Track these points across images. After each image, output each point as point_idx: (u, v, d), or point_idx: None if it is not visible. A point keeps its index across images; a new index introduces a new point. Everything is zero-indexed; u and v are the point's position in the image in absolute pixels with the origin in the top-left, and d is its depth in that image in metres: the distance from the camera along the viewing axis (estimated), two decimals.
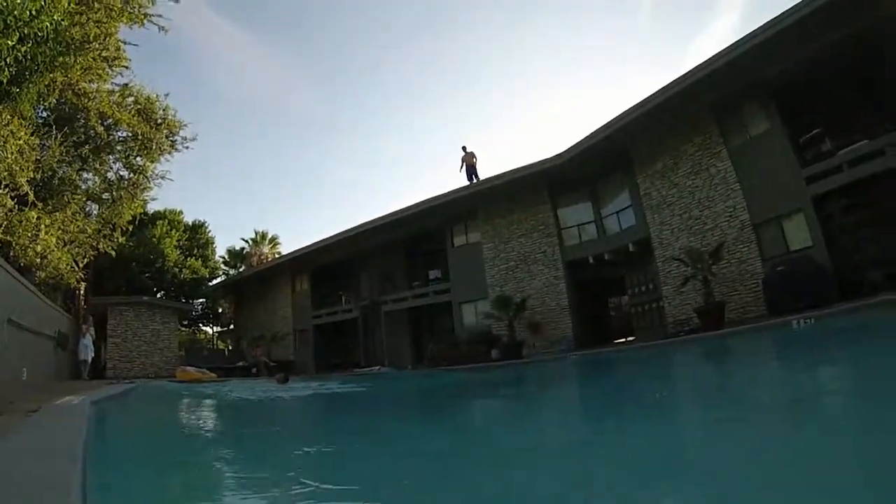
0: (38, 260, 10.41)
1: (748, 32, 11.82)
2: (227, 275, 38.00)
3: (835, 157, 11.35)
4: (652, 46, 53.57)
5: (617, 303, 22.65)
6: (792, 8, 10.80)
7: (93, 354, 15.68)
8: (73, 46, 9.64)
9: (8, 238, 9.40)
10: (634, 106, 14.48)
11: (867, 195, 10.98)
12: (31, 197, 9.84)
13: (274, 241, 40.01)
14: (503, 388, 10.80)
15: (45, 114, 12.06)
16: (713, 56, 12.65)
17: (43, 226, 10.30)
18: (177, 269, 32.15)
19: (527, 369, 14.17)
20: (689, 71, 13.17)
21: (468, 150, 20.13)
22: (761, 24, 11.52)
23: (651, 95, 14.04)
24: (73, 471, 2.20)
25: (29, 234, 9.83)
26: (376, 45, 53.76)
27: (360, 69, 55.99)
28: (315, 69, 54.48)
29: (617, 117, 14.98)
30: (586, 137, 15.86)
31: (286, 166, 65.60)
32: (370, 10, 49.82)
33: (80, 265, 13.23)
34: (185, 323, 35.69)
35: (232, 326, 34.37)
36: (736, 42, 12.12)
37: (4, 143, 7.70)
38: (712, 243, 13.26)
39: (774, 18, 11.18)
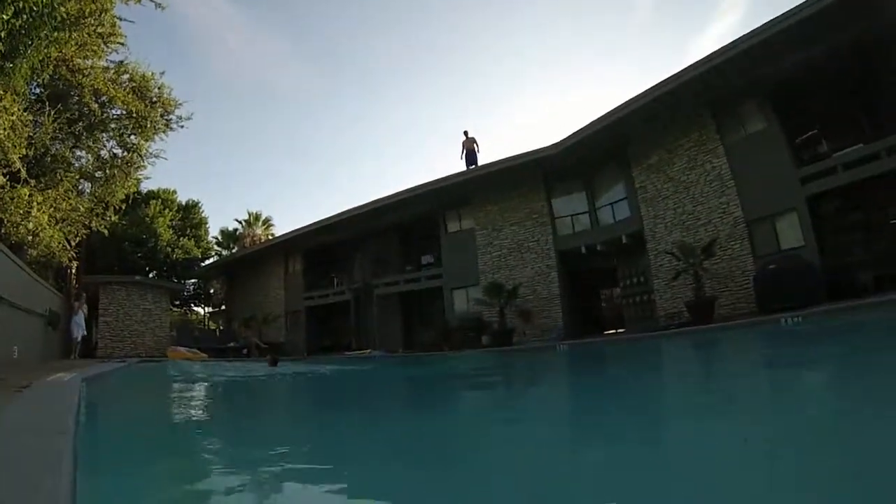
0: (30, 238, 10.39)
1: (748, 31, 11.84)
2: (219, 255, 37.94)
3: (830, 159, 11.44)
4: (651, 44, 53.51)
5: (608, 294, 22.73)
6: (792, 10, 10.86)
7: (84, 333, 15.66)
8: (68, 21, 9.52)
9: (0, 215, 9.38)
10: (632, 99, 14.50)
11: (861, 198, 11.16)
12: (24, 174, 9.78)
13: (267, 223, 39.95)
14: (492, 375, 10.89)
15: (38, 90, 11.94)
16: (712, 53, 12.69)
17: (35, 203, 10.25)
18: (169, 249, 32.08)
19: (516, 356, 14.29)
20: (688, 66, 13.22)
21: (469, 135, 20.12)
22: (761, 23, 11.55)
23: (649, 89, 14.06)
24: (65, 445, 2.23)
25: (21, 212, 9.80)
26: (374, 26, 53.33)
27: (357, 51, 55.67)
28: (311, 49, 53.99)
29: (614, 109, 14.99)
30: (583, 128, 15.85)
31: (280, 147, 65.39)
32: None
33: (73, 244, 13.18)
34: (177, 303, 35.69)
35: (224, 307, 34.37)
36: (735, 40, 12.17)
37: None
38: (705, 239, 13.36)
39: (774, 19, 11.24)
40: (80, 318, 15.28)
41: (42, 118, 10.85)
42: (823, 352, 6.92)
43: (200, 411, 6.40)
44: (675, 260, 13.29)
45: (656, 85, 13.89)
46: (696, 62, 13.05)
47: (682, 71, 13.33)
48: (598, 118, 15.42)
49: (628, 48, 53.23)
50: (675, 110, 14.52)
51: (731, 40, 12.33)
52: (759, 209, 12.86)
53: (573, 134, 16.18)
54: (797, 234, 11.97)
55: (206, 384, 10.14)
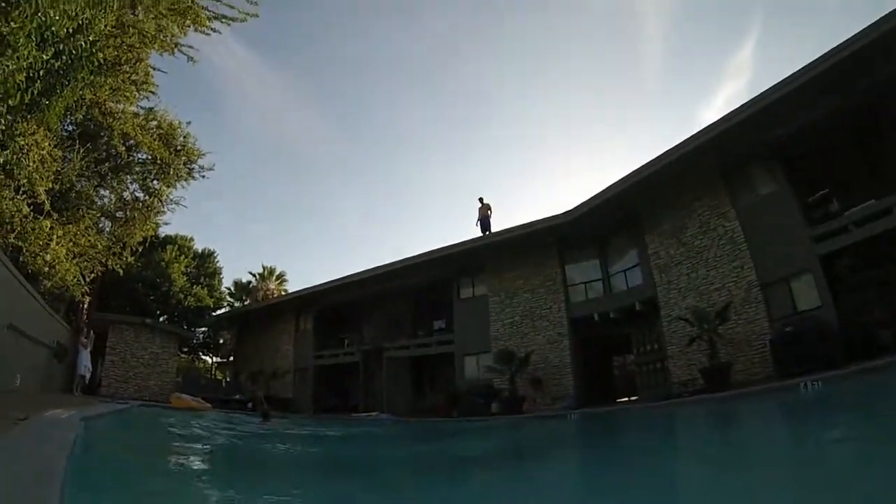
0: (46, 269, 10.58)
1: (756, 95, 12.11)
2: (231, 306, 38.09)
3: (842, 217, 11.41)
4: (660, 110, 54.94)
5: (621, 361, 22.39)
6: (796, 72, 11.13)
7: (90, 370, 15.63)
8: (104, 67, 10.07)
9: (19, 244, 9.61)
10: (643, 165, 14.71)
11: (876, 254, 10.99)
12: (48, 206, 10.09)
13: (281, 278, 40.24)
14: (503, 446, 10.59)
15: (70, 127, 12.47)
16: (721, 118, 12.96)
17: (55, 236, 10.51)
18: (182, 296, 32.28)
19: (527, 425, 13.99)
20: (697, 132, 13.49)
21: (484, 201, 20.56)
22: (768, 86, 11.83)
23: (660, 156, 14.29)
24: (52, 487, 2.22)
25: (40, 243, 10.04)
26: (398, 94, 55.39)
27: (379, 116, 57.55)
28: (335, 112, 56.07)
29: (626, 176, 15.21)
30: (595, 196, 16.10)
31: (299, 204, 66.67)
32: (392, 59, 51.60)
33: (87, 279, 13.37)
34: (186, 350, 35.56)
35: (232, 358, 34.17)
36: (742, 105, 12.45)
37: (28, 151, 8.00)
38: (719, 303, 13.17)
39: (779, 82, 11.51)
40: (85, 355, 15.30)
41: (71, 155, 11.28)
42: (848, 420, 6.53)
43: (193, 469, 6.17)
44: (689, 326, 13.06)
45: (666, 152, 14.11)
46: (705, 128, 13.33)
47: (691, 137, 13.57)
48: (610, 186, 15.65)
49: (639, 117, 54.67)
50: (686, 176, 14.66)
51: (738, 105, 12.59)
52: (773, 271, 12.73)
53: (585, 202, 16.42)
54: (813, 294, 11.76)
55: (203, 438, 9.85)
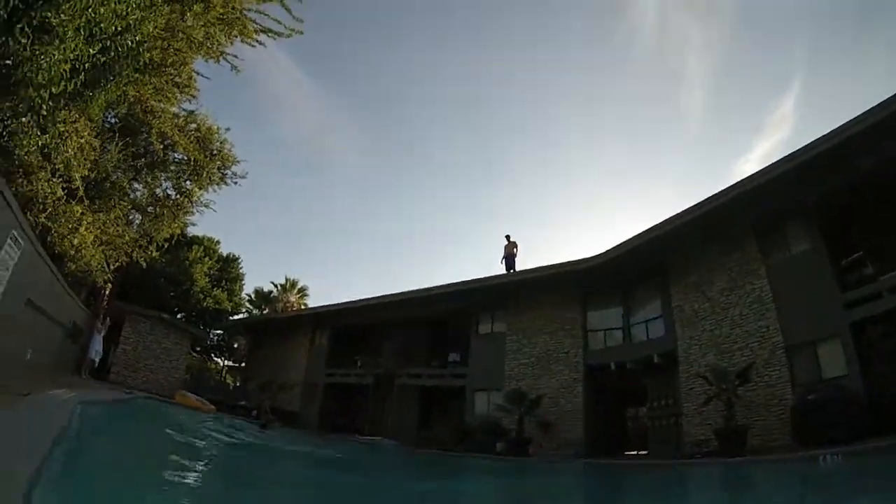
0: (73, 252, 10.87)
1: (792, 151, 11.92)
2: (250, 313, 38.48)
3: (876, 283, 10.97)
4: (698, 162, 54.59)
5: (634, 413, 21.84)
6: (836, 129, 10.89)
7: (101, 355, 15.88)
8: (150, 67, 10.44)
9: (49, 224, 9.92)
10: (674, 216, 14.52)
11: None
12: (81, 192, 10.42)
13: (302, 292, 40.64)
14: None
15: (113, 120, 12.88)
16: (756, 173, 12.74)
17: (85, 221, 10.82)
18: (202, 296, 32.71)
19: (534, 470, 13.70)
20: (731, 186, 13.24)
21: (511, 239, 20.61)
22: (804, 144, 11.63)
23: (692, 207, 14.08)
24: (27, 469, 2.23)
25: (70, 226, 10.35)
26: (443, 127, 56.23)
27: (422, 144, 58.43)
28: (378, 134, 57.09)
29: (656, 225, 15.04)
30: (624, 242, 15.95)
31: (329, 221, 67.59)
32: (438, 91, 52.48)
33: (111, 267, 13.70)
34: (198, 349, 35.93)
35: (244, 364, 34.39)
36: (779, 160, 12.20)
37: (67, 137, 8.31)
38: (740, 363, 12.69)
39: (818, 139, 11.28)
40: (98, 339, 15.56)
41: (110, 146, 11.67)
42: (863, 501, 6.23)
43: (164, 474, 6.10)
44: (707, 384, 12.59)
45: (699, 203, 13.91)
46: (740, 181, 13.08)
47: (724, 190, 13.36)
48: (640, 233, 15.49)
49: (678, 168, 54.44)
50: (718, 229, 14.38)
51: (775, 160, 12.39)
52: (800, 334, 12.21)
53: (613, 248, 16.27)
54: (840, 361, 11.20)
55: (193, 442, 9.80)
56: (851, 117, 10.68)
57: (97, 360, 15.89)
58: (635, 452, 17.27)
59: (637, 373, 16.61)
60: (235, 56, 14.09)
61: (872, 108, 10.33)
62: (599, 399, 17.64)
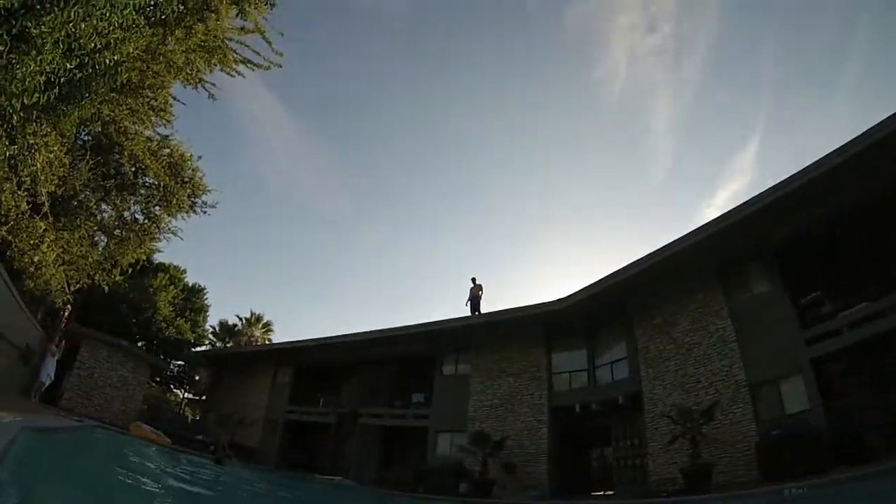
0: (32, 269, 10.57)
1: (754, 195, 12.42)
2: (213, 345, 37.63)
3: (835, 320, 11.37)
4: (663, 206, 56.19)
5: (599, 454, 21.79)
6: (795, 175, 11.46)
7: (52, 379, 15.21)
8: (127, 87, 10.44)
9: (10, 238, 9.65)
10: (639, 260, 14.91)
11: (868, 358, 10.90)
12: (46, 208, 10.20)
13: (267, 327, 40.14)
14: None
15: (86, 138, 12.74)
16: (718, 216, 13.26)
17: (48, 239, 10.56)
18: (164, 325, 31.92)
19: None
20: (693, 231, 13.74)
21: (476, 282, 20.80)
22: (766, 188, 12.16)
23: (656, 251, 14.50)
24: None
25: (31, 242, 10.08)
26: (409, 170, 56.93)
27: (391, 182, 58.90)
28: (348, 174, 57.44)
29: (621, 269, 15.39)
30: (589, 286, 16.27)
31: (296, 258, 67.11)
32: (414, 133, 53.35)
33: (72, 288, 13.32)
34: (158, 380, 34.81)
35: (204, 398, 33.40)
36: (741, 204, 12.71)
37: (36, 150, 8.21)
38: (705, 402, 12.93)
39: (779, 183, 11.82)
40: (51, 362, 14.94)
41: (80, 164, 11.49)
42: None
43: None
44: (673, 423, 12.76)
45: (663, 247, 14.34)
46: (702, 226, 13.60)
47: (687, 234, 13.82)
48: (605, 277, 15.83)
49: (643, 212, 55.85)
50: (682, 271, 14.76)
51: (736, 204, 12.86)
52: (762, 372, 12.55)
53: (579, 291, 16.57)
54: (802, 397, 11.53)
55: (135, 478, 9.38)
56: (808, 164, 11.27)
57: (47, 383, 15.21)
58: (601, 493, 17.15)
59: (602, 414, 16.68)
60: (213, 84, 14.09)
61: (829, 154, 10.90)
62: (564, 440, 17.64)
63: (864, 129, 10.31)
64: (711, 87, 46.20)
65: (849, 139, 10.53)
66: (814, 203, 11.80)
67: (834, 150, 10.81)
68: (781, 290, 12.83)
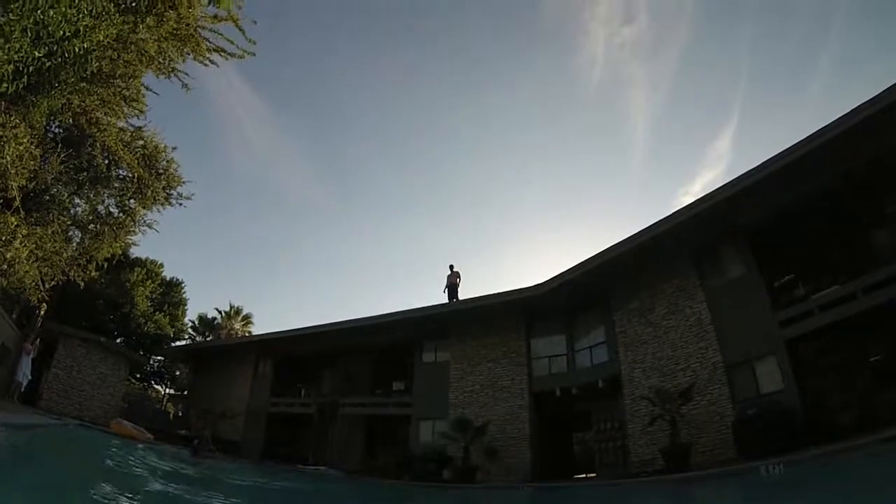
0: (5, 266, 10.31)
1: (729, 180, 12.64)
2: (193, 339, 37.24)
3: (807, 302, 11.68)
4: (641, 192, 56.79)
5: (581, 437, 22.12)
6: (767, 161, 11.70)
7: (29, 378, 14.92)
8: (97, 77, 10.19)
9: None
10: (617, 244, 15.05)
11: (840, 339, 11.25)
12: (17, 203, 9.94)
13: (247, 319, 39.81)
14: None
15: (57, 130, 12.41)
16: (693, 202, 13.52)
17: (20, 234, 10.28)
18: (143, 320, 31.55)
19: (477, 495, 13.64)
20: (670, 214, 13.95)
21: (454, 269, 20.85)
22: (740, 173, 12.37)
23: (633, 235, 14.67)
24: None
25: (3, 238, 9.82)
26: (386, 158, 56.67)
27: (365, 175, 58.58)
28: (324, 163, 56.95)
29: (598, 254, 15.54)
30: (567, 271, 16.38)
31: (273, 248, 66.56)
32: (388, 119, 53.01)
33: (46, 285, 13.02)
34: (138, 376, 34.39)
35: (186, 392, 33.07)
36: (715, 190, 12.99)
37: (6, 143, 7.99)
38: (683, 384, 13.21)
39: (751, 169, 12.04)
40: (27, 361, 14.64)
41: (51, 157, 11.19)
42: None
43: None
44: (652, 405, 13.03)
45: (640, 232, 14.51)
46: (678, 210, 13.84)
47: (663, 219, 14.01)
48: (582, 262, 15.96)
49: (621, 199, 56.36)
50: (658, 256, 15.00)
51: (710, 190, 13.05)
52: (738, 354, 12.86)
53: (556, 276, 16.68)
54: (776, 377, 11.87)
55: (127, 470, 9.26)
56: (780, 150, 11.51)
57: (24, 383, 14.92)
58: (584, 476, 17.45)
59: (582, 398, 17.00)
60: (187, 74, 13.78)
61: (801, 140, 11.17)
62: (546, 425, 17.91)
63: (835, 118, 10.58)
64: (688, 78, 46.71)
65: (821, 126, 10.80)
66: (785, 189, 12.08)
67: (804, 139, 11.10)
68: (755, 273, 13.09)
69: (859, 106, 10.16)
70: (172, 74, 13.56)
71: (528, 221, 63.78)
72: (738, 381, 12.78)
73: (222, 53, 13.51)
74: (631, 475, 13.36)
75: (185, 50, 13.00)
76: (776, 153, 11.54)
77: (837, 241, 13.40)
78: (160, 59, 12.66)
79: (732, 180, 12.53)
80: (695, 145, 53.81)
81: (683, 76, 45.76)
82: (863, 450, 8.43)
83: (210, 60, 13.56)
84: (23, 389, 15.07)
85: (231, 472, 13.92)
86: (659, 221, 14.10)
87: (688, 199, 55.26)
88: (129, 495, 6.29)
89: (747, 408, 11.64)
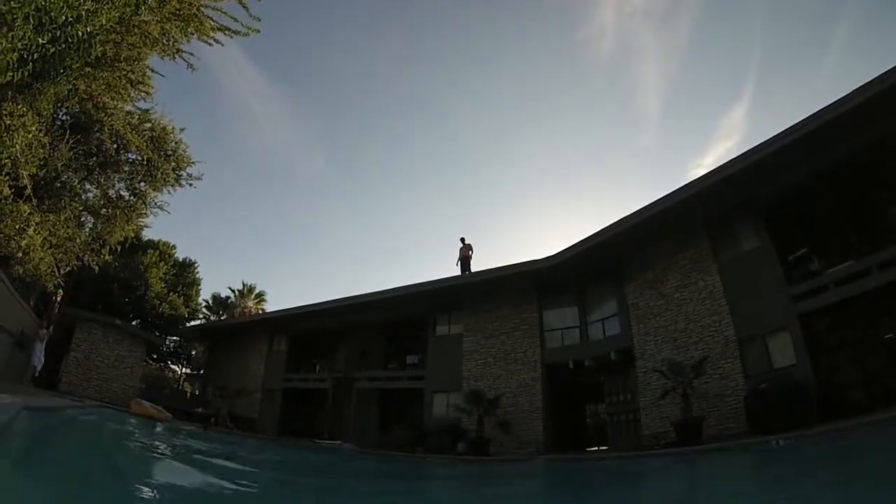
0: (20, 254, 10.40)
1: (743, 151, 12.34)
2: (207, 319, 37.58)
3: (822, 277, 11.50)
4: (653, 165, 56.13)
5: (593, 409, 22.23)
6: (784, 131, 11.37)
7: (42, 363, 15.15)
8: (102, 61, 10.12)
9: None
10: (629, 215, 14.80)
11: (853, 315, 11.08)
12: (29, 191, 9.98)
13: (260, 297, 39.92)
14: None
15: (64, 117, 12.40)
16: (707, 173, 13.18)
17: (33, 222, 10.36)
18: (157, 302, 31.79)
19: (492, 467, 13.72)
20: (684, 186, 13.64)
21: (466, 242, 20.67)
22: (756, 144, 12.05)
23: (646, 206, 14.39)
24: None
25: (17, 227, 9.89)
26: (395, 133, 56.20)
27: (373, 150, 58.23)
28: (332, 139, 56.66)
29: (611, 225, 15.29)
30: (579, 242, 16.17)
31: (285, 225, 66.67)
32: (395, 94, 52.46)
33: (61, 271, 13.15)
34: (154, 357, 34.88)
35: (202, 372, 33.54)
36: (730, 160, 12.63)
37: (14, 132, 7.98)
38: (695, 357, 13.12)
39: (766, 141, 11.73)
40: (40, 347, 14.86)
41: (60, 145, 11.19)
42: (816, 477, 6.50)
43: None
44: (664, 378, 12.98)
45: (653, 203, 14.23)
46: (691, 182, 13.53)
47: (677, 190, 13.73)
48: (595, 233, 15.72)
49: (632, 171, 55.77)
50: (671, 228, 14.79)
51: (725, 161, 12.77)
52: (750, 328, 12.73)
53: (568, 248, 16.46)
54: (789, 352, 11.73)
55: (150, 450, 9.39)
56: (796, 121, 11.19)
57: (38, 367, 15.17)
58: (596, 448, 17.57)
59: (595, 370, 16.97)
60: (192, 54, 13.69)
61: (817, 111, 10.83)
62: (558, 397, 17.94)
63: (852, 89, 10.22)
64: (701, 48, 45.54)
65: (838, 97, 10.46)
66: (800, 162, 11.80)
67: (819, 110, 10.77)
68: (769, 246, 12.87)
69: (879, 77, 9.79)
70: (177, 55, 13.48)
71: (537, 195, 63.28)
72: (751, 355, 12.67)
73: (226, 32, 13.37)
74: (643, 448, 13.41)
75: (189, 30, 12.88)
76: (791, 125, 11.24)
77: (853, 217, 13.16)
78: (164, 41, 12.56)
79: (747, 151, 12.22)
80: (707, 117, 52.80)
81: (696, 46, 44.65)
82: (875, 427, 8.37)
83: (214, 39, 13.43)
84: (37, 374, 15.34)
85: (246, 446, 14.14)
86: (672, 192, 13.82)
87: (700, 172, 54.72)
88: (147, 470, 6.41)
89: (759, 382, 11.57)
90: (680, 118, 51.38)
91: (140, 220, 16.50)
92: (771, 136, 11.61)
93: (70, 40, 7.66)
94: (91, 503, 3.81)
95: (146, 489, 4.85)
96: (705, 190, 13.17)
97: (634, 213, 14.71)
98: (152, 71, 13.60)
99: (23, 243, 10.25)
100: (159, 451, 9.10)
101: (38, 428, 6.84)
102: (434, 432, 17.61)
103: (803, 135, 11.05)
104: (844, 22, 37.97)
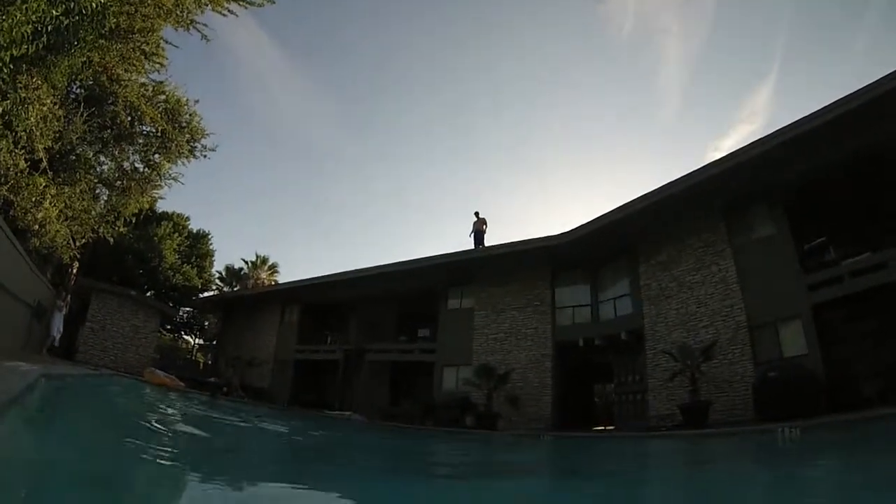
0: (36, 226, 10.49)
1: (762, 136, 12.10)
2: (220, 290, 37.94)
3: (838, 267, 11.32)
4: (673, 146, 55.35)
5: (601, 389, 22.29)
6: (804, 118, 11.11)
7: (60, 333, 15.41)
8: (116, 32, 10.05)
9: (12, 197, 9.54)
10: (645, 195, 14.59)
11: (868, 307, 10.88)
12: (45, 164, 10.03)
13: (273, 269, 40.21)
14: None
15: (78, 90, 12.38)
16: (726, 155, 12.93)
17: (49, 195, 10.43)
18: (171, 273, 32.14)
19: (500, 442, 13.81)
20: (702, 167, 13.41)
21: (480, 216, 20.51)
22: (775, 129, 11.81)
23: (662, 187, 14.17)
24: None
25: (33, 199, 9.96)
26: (412, 94, 55.67)
27: (391, 122, 57.83)
28: (346, 105, 56.25)
29: (626, 204, 15.08)
30: (594, 220, 15.97)
31: (299, 197, 66.71)
32: (411, 66, 51.89)
33: (77, 243, 13.29)
34: (168, 327, 35.39)
35: (215, 342, 34.02)
36: (749, 144, 12.38)
37: (29, 104, 7.97)
38: (705, 341, 13.04)
39: (786, 126, 11.48)
40: (59, 317, 15.13)
41: (75, 117, 11.19)
42: (820, 469, 6.46)
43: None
44: (673, 360, 12.92)
45: (669, 183, 14.00)
46: (710, 164, 13.29)
47: (694, 172, 13.48)
48: (610, 211, 15.51)
49: (652, 153, 55.07)
50: (687, 210, 14.59)
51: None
52: (762, 314, 12.60)
53: (583, 225, 16.27)
54: (800, 341, 11.61)
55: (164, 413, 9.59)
56: (817, 108, 10.91)
57: (57, 337, 15.42)
58: (602, 427, 17.66)
59: (604, 349, 16.92)
60: (206, 25, 13.60)
61: (838, 100, 10.54)
62: (567, 375, 17.97)
63: (880, 77, 9.90)
64: (724, 27, 44.33)
65: (866, 84, 10.13)
66: (820, 150, 11.55)
67: (845, 97, 10.46)
68: (786, 233, 12.67)
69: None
70: (191, 27, 13.41)
71: (553, 172, 62.69)
72: (761, 342, 12.56)
73: (241, 2, 13.27)
74: (649, 429, 13.43)
75: (203, 1, 12.76)
76: (815, 110, 10.94)
77: (872, 208, 12.91)
78: (178, 12, 12.50)
79: (764, 136, 11.97)
80: (729, 99, 51.74)
81: (719, 26, 43.46)
82: (885, 421, 8.26)
83: (228, 10, 13.37)
84: (56, 343, 15.60)
85: (259, 416, 14.33)
86: (690, 173, 13.56)
87: (719, 155, 53.92)
88: (161, 432, 6.55)
89: (769, 370, 11.45)
90: (701, 99, 50.48)
91: (154, 191, 16.58)
92: (794, 118, 11.35)
93: (84, 12, 7.61)
94: (104, 456, 3.95)
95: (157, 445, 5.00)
96: (724, 173, 12.92)
97: (650, 192, 14.48)
98: (166, 42, 13.56)
99: (39, 216, 10.34)
100: (170, 413, 9.32)
101: (55, 393, 7.01)
102: (444, 406, 17.71)
103: (827, 121, 10.76)
104: (875, 4, 36.76)
